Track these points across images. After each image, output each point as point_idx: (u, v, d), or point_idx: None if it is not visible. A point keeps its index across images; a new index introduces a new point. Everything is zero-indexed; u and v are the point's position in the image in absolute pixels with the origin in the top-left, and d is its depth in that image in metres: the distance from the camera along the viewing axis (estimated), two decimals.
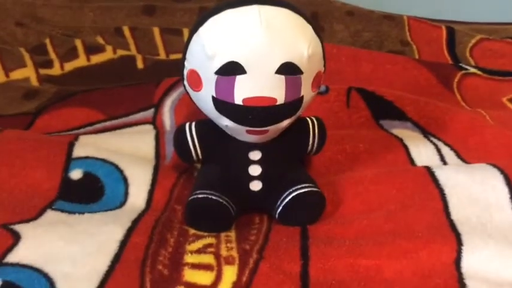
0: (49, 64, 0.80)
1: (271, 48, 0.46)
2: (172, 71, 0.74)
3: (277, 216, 0.53)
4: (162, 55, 0.85)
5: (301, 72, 0.48)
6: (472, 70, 0.82)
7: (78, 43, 0.83)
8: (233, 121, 0.49)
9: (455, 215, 0.51)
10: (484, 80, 0.81)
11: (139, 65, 0.81)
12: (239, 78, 0.46)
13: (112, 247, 0.47)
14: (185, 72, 0.50)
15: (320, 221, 0.53)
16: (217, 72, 0.47)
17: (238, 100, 0.47)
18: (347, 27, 0.90)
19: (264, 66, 0.46)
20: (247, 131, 0.50)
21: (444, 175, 0.55)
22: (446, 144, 0.65)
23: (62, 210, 0.53)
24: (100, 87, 0.73)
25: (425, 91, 0.77)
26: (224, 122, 0.49)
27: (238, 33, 0.46)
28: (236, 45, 0.46)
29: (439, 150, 0.64)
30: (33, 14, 0.88)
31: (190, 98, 0.52)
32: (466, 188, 0.53)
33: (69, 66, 0.80)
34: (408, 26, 0.92)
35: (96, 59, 0.81)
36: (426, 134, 0.67)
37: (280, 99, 0.48)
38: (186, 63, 0.50)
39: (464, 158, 0.63)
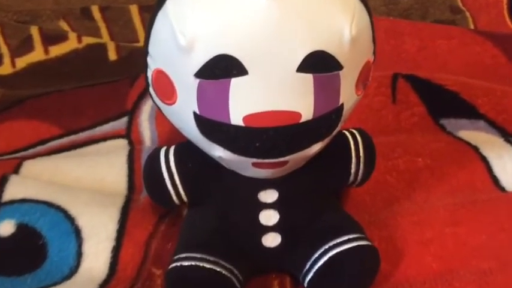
0: None
1: (288, 28, 0.27)
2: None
3: (306, 284, 0.35)
4: (142, 40, 0.66)
5: (339, 67, 0.28)
6: None
7: (35, 31, 0.64)
8: (230, 151, 0.30)
9: None
10: None
11: (112, 56, 0.62)
12: (236, 82, 0.27)
13: None
14: (149, 74, 0.31)
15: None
16: (198, 75, 0.28)
17: (236, 119, 0.28)
18: None
19: (276, 60, 0.27)
20: (254, 164, 0.31)
21: None
22: None
23: None
24: (56, 91, 0.54)
25: (493, 73, 0.57)
26: (216, 153, 0.30)
27: (231, 7, 0.27)
28: (228, 28, 0.27)
29: None
30: None
31: (162, 114, 0.33)
32: None
33: (21, 62, 0.62)
34: None
35: (56, 50, 0.62)
36: (508, 136, 0.48)
37: (307, 112, 0.28)
38: (149, 60, 0.31)
39: None
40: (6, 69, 0.61)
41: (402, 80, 0.51)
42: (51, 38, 0.63)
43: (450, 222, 0.38)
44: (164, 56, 0.29)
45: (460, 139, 0.47)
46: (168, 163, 0.35)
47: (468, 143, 0.46)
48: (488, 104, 0.49)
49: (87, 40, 0.63)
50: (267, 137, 0.28)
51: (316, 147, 0.31)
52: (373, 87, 0.51)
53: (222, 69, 0.27)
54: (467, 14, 0.69)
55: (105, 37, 0.65)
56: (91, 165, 0.46)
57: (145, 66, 0.32)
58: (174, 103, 0.30)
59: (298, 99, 0.28)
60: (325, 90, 0.29)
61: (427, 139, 0.47)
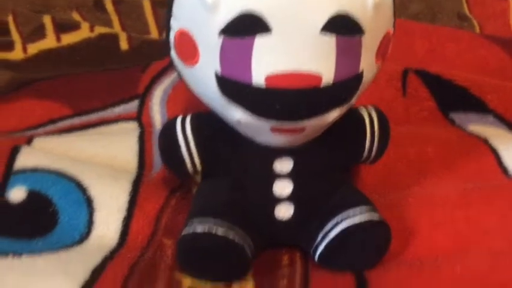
0: (9, 47, 0.62)
1: None
2: (166, 54, 0.56)
3: (317, 258, 0.35)
4: (154, 34, 0.66)
5: (362, 32, 0.29)
6: None
7: (47, 20, 0.65)
8: (250, 113, 0.30)
9: None
10: None
11: (123, 45, 0.62)
12: (260, 41, 0.28)
13: None
14: (172, 35, 0.32)
15: (383, 265, 0.35)
16: (222, 32, 0.28)
17: (258, 79, 0.29)
18: None
19: (301, 19, 0.28)
20: (273, 129, 0.31)
21: None
22: None
23: None
24: (67, 73, 0.55)
25: (500, 75, 0.58)
26: (235, 115, 0.31)
27: None
28: None
29: None
30: None
31: (181, 77, 0.34)
32: None
33: (33, 48, 0.62)
34: None
35: (68, 38, 0.63)
36: None
37: (328, 76, 0.29)
38: (172, 21, 0.31)
39: None
40: (17, 54, 0.62)
41: (413, 74, 0.52)
42: (63, 27, 0.64)
43: (461, 204, 0.38)
44: (188, 16, 0.30)
45: (470, 132, 0.48)
46: (184, 130, 0.35)
47: (478, 136, 0.47)
48: (497, 99, 0.50)
49: (99, 30, 0.63)
50: (287, 98, 0.29)
51: (334, 114, 0.31)
52: (384, 80, 0.52)
53: (246, 27, 0.28)
54: (474, 21, 0.70)
55: (117, 29, 0.66)
56: (103, 145, 0.46)
57: (167, 28, 0.32)
58: (195, 64, 0.30)
59: (320, 60, 0.28)
60: (347, 55, 0.29)
61: (437, 131, 0.48)
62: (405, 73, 0.52)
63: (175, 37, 0.31)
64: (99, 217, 0.38)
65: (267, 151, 0.34)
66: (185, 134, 0.35)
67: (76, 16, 0.67)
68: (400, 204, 0.39)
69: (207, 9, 0.28)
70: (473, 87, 0.50)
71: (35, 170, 0.40)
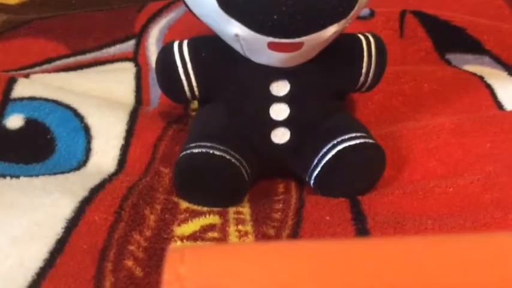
0: None
1: None
2: None
3: (312, 182, 0.35)
4: None
5: None
6: None
7: None
8: (248, 27, 0.30)
9: None
10: None
11: None
12: None
13: (54, 230, 0.29)
14: None
15: (377, 190, 0.35)
16: None
17: None
18: None
19: None
20: (270, 45, 0.31)
21: None
22: None
23: None
24: (63, 13, 0.54)
25: (496, 21, 0.58)
26: (233, 30, 0.31)
27: None
28: None
29: None
30: None
31: None
32: None
33: None
34: None
35: None
36: None
37: None
38: None
39: None
40: None
41: (410, 15, 0.52)
42: None
43: (455, 132, 0.38)
44: None
45: (466, 70, 0.48)
46: (182, 53, 0.35)
47: (474, 74, 0.47)
48: (494, 40, 0.50)
49: None
50: (285, 9, 0.29)
51: (332, 30, 0.31)
52: (381, 21, 0.51)
53: None
54: None
55: None
56: (99, 81, 0.46)
57: None
58: None
59: None
60: None
61: (433, 69, 0.48)
62: (403, 14, 0.52)
63: None
64: (96, 145, 0.38)
65: (265, 72, 0.34)
66: (183, 57, 0.35)
67: None
68: (395, 135, 0.39)
69: None
70: (470, 28, 0.50)
71: (32, 99, 0.40)
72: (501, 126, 0.38)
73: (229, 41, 0.33)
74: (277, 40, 0.30)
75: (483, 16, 0.59)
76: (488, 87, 0.45)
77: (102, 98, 0.43)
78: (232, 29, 0.31)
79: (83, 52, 0.51)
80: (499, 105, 0.43)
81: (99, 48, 0.51)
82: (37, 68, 0.49)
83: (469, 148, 0.37)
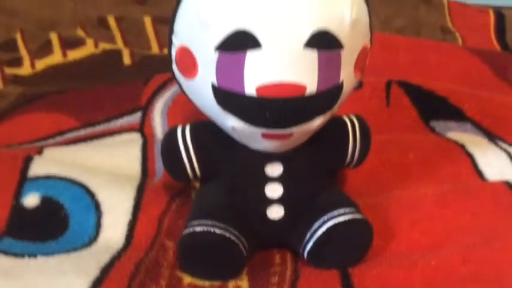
0: (17, 62, 0.66)
1: (298, 9, 0.31)
2: (166, 68, 0.59)
3: (305, 255, 0.38)
4: (155, 49, 0.70)
5: (340, 46, 0.33)
6: None
7: (54, 37, 0.69)
8: (242, 120, 0.34)
9: None
10: None
11: (126, 60, 0.66)
12: (251, 55, 0.32)
13: None
14: (173, 51, 0.36)
15: (366, 262, 0.38)
16: (218, 48, 0.32)
17: (249, 89, 0.32)
18: (375, 12, 0.75)
19: (287, 36, 0.31)
20: (264, 135, 0.35)
21: None
22: None
23: (6, 253, 0.38)
24: (74, 88, 0.58)
25: (479, 85, 0.62)
26: (229, 123, 0.34)
27: None
28: (245, 6, 0.31)
29: None
30: (2, 5, 0.75)
31: (182, 90, 0.37)
32: None
33: (41, 64, 0.66)
34: (449, 10, 0.77)
35: (74, 54, 0.67)
36: (492, 137, 0.52)
37: (311, 86, 0.33)
38: (173, 38, 0.35)
39: None
40: (26, 70, 0.66)
41: (396, 85, 0.56)
42: (69, 43, 0.68)
43: (438, 204, 0.41)
44: (188, 33, 0.34)
45: (449, 139, 0.51)
46: (185, 138, 0.39)
47: (456, 142, 0.50)
48: (475, 108, 0.54)
49: (104, 46, 0.67)
50: (276, 107, 0.32)
51: (318, 121, 0.34)
52: (368, 91, 0.55)
53: (239, 43, 0.32)
54: (457, 34, 0.74)
55: (120, 44, 0.70)
56: (108, 153, 0.50)
57: (169, 44, 0.36)
58: (194, 77, 0.34)
59: (304, 72, 0.32)
60: (328, 67, 0.33)
61: (418, 138, 0.51)
62: (389, 84, 0.56)
63: (176, 53, 0.35)
64: (106, 220, 0.41)
65: (259, 156, 0.37)
66: (185, 142, 0.38)
67: (80, 33, 0.71)
68: (383, 206, 0.42)
69: (204, 27, 0.32)
70: (452, 97, 0.54)
71: (47, 177, 0.43)
72: (481, 197, 0.41)
73: (226, 130, 0.36)
74: (269, 131, 0.34)
75: (466, 79, 0.63)
76: (470, 156, 0.48)
77: (111, 171, 0.47)
78: (229, 122, 0.34)
79: (93, 124, 0.55)
80: (480, 174, 0.47)
81: (108, 120, 0.55)
82: (50, 140, 0.53)
83: (450, 220, 0.40)
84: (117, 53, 0.67)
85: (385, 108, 0.55)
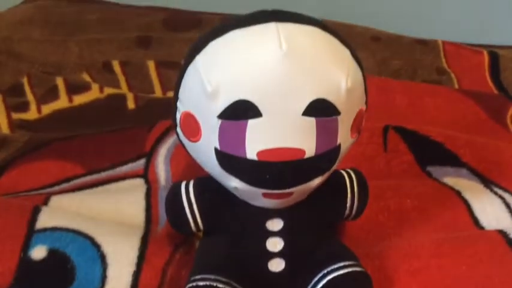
0: (24, 107, 0.68)
1: (296, 80, 0.33)
2: (169, 112, 0.61)
3: None
4: (158, 93, 0.72)
5: (337, 113, 0.34)
6: None
7: (60, 81, 0.71)
8: (244, 182, 0.35)
9: None
10: None
11: (130, 105, 0.68)
12: (252, 123, 0.33)
13: None
14: (178, 116, 0.37)
15: None
16: (221, 116, 0.34)
17: (251, 154, 0.34)
18: (372, 54, 0.77)
19: (286, 105, 0.33)
20: (264, 195, 0.36)
21: None
22: None
23: None
24: (80, 134, 0.60)
25: (474, 128, 0.63)
26: (232, 183, 0.36)
27: (250, 61, 0.33)
28: (247, 78, 0.33)
29: (508, 206, 0.49)
30: (9, 50, 0.77)
31: (186, 150, 0.39)
32: None
33: (47, 108, 0.68)
34: (444, 51, 0.79)
35: (80, 99, 0.68)
36: (488, 183, 0.53)
37: (310, 150, 0.34)
38: (179, 104, 0.37)
39: None
40: (32, 115, 0.67)
41: (392, 131, 0.57)
42: (75, 88, 0.69)
43: (435, 254, 0.42)
44: (192, 101, 0.35)
45: (445, 184, 0.53)
46: (188, 194, 0.40)
47: (452, 188, 0.52)
48: (470, 154, 0.55)
49: (108, 90, 0.69)
50: (276, 169, 0.34)
51: (317, 181, 0.36)
52: (366, 137, 0.57)
53: (241, 111, 0.33)
54: (452, 75, 0.76)
55: (124, 89, 0.72)
56: (113, 201, 0.51)
57: (174, 109, 0.38)
58: (198, 140, 0.36)
59: (303, 138, 0.34)
60: (326, 132, 0.34)
61: (415, 184, 0.53)
62: (386, 129, 0.57)
63: (181, 117, 0.37)
64: (111, 272, 0.42)
65: (261, 212, 0.39)
66: (189, 198, 0.40)
67: (86, 77, 0.73)
68: (382, 256, 0.43)
69: (208, 96, 0.34)
70: (448, 142, 0.56)
71: (54, 229, 0.44)
72: (476, 247, 0.42)
73: (228, 189, 0.38)
74: (270, 191, 0.36)
75: (462, 122, 0.65)
76: (465, 202, 0.49)
77: (116, 219, 0.48)
78: (231, 183, 0.36)
79: (98, 171, 0.56)
80: (476, 222, 0.48)
81: (113, 167, 0.56)
82: (56, 188, 0.54)
83: (446, 270, 0.41)
84: (122, 97, 0.68)
85: (383, 154, 0.56)
